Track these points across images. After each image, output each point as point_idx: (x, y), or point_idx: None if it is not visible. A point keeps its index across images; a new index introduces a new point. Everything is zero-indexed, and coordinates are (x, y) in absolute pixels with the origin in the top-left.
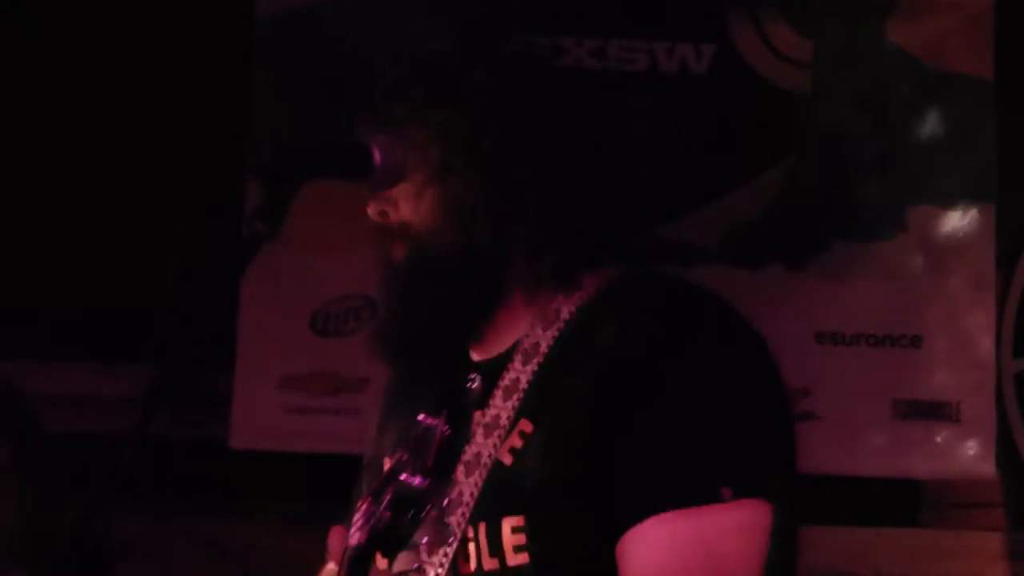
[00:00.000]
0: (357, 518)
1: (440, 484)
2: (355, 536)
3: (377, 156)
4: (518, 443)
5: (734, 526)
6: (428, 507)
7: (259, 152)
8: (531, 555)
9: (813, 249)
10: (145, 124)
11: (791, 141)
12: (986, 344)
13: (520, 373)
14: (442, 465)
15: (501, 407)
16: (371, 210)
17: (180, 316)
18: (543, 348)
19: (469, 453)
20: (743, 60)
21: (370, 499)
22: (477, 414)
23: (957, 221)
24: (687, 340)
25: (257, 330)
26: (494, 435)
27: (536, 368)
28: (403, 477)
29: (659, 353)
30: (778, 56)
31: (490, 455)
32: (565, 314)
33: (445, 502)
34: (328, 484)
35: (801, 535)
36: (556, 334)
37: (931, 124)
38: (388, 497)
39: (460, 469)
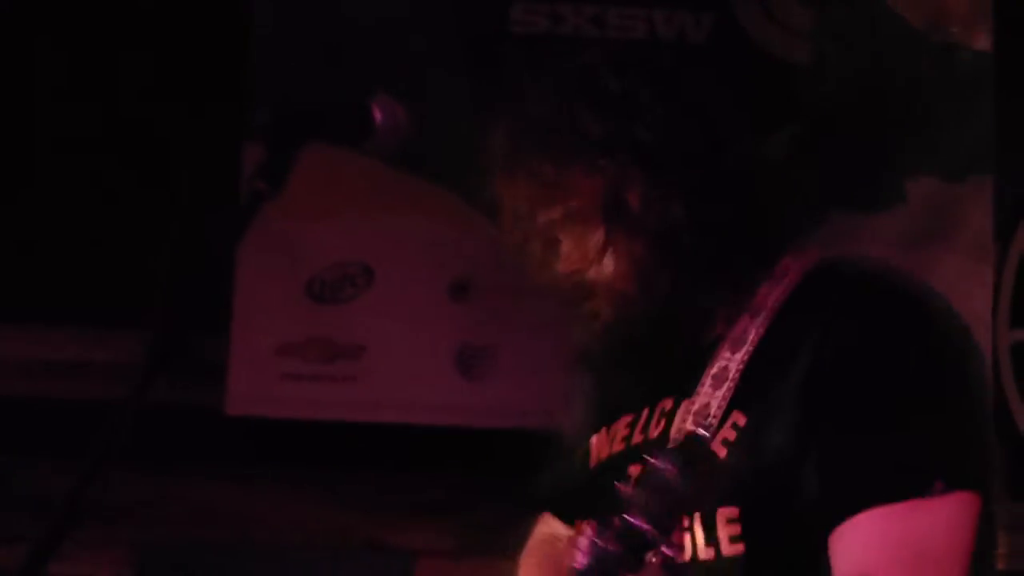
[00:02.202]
0: (583, 542)
1: (667, 532)
2: (579, 560)
3: (378, 116)
4: (731, 435)
5: (945, 519)
6: (652, 552)
7: (260, 114)
8: (746, 545)
9: (812, 220)
10: (145, 89)
11: (790, 112)
12: (983, 315)
13: (729, 362)
14: (671, 513)
15: (711, 396)
16: (563, 270)
17: (178, 282)
18: (752, 337)
19: (676, 441)
20: (743, 29)
21: (596, 526)
22: (685, 403)
23: (955, 193)
24: (896, 331)
25: (253, 297)
26: (704, 424)
27: (746, 357)
28: (631, 516)
29: (868, 344)
30: (778, 26)
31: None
32: (772, 302)
33: (671, 552)
34: (323, 450)
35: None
36: (765, 323)
37: (930, 96)
38: (615, 530)
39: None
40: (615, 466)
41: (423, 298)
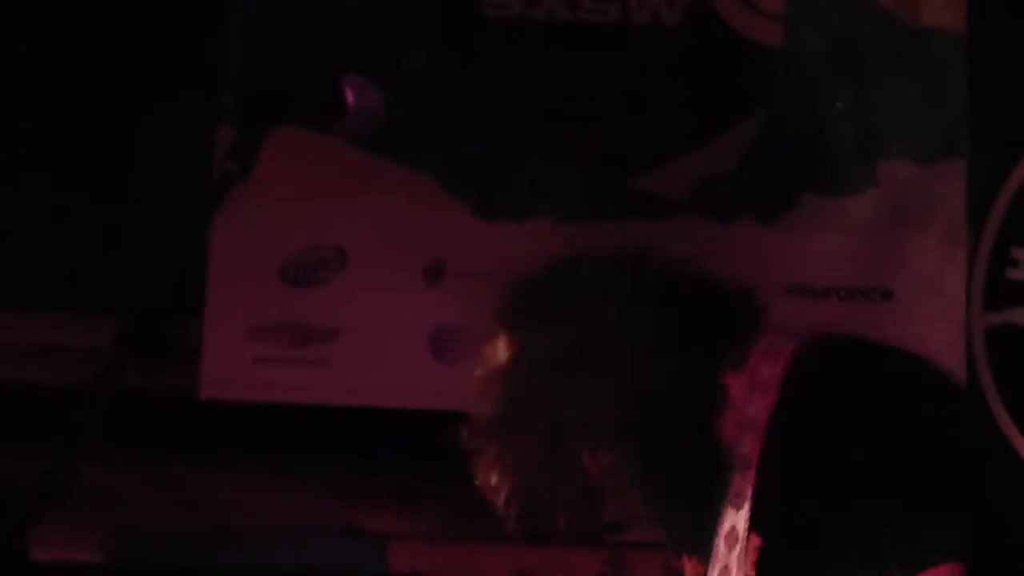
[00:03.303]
0: None
1: None
2: None
3: (350, 97)
4: (754, 557)
5: None
6: None
7: (231, 95)
8: None
9: (784, 202)
10: (116, 70)
11: (763, 94)
12: (957, 298)
13: (742, 483)
14: None
15: (734, 518)
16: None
17: (149, 265)
18: (754, 456)
19: (717, 567)
20: (716, 12)
21: None
22: (717, 528)
23: (929, 175)
24: (880, 427)
25: (227, 280)
26: (737, 548)
27: (753, 478)
28: None
29: (852, 451)
30: (751, 8)
31: (738, 571)
32: (773, 384)
33: None
34: (297, 436)
35: None
36: (760, 439)
37: (903, 78)
38: None
39: None
40: None
41: (397, 282)
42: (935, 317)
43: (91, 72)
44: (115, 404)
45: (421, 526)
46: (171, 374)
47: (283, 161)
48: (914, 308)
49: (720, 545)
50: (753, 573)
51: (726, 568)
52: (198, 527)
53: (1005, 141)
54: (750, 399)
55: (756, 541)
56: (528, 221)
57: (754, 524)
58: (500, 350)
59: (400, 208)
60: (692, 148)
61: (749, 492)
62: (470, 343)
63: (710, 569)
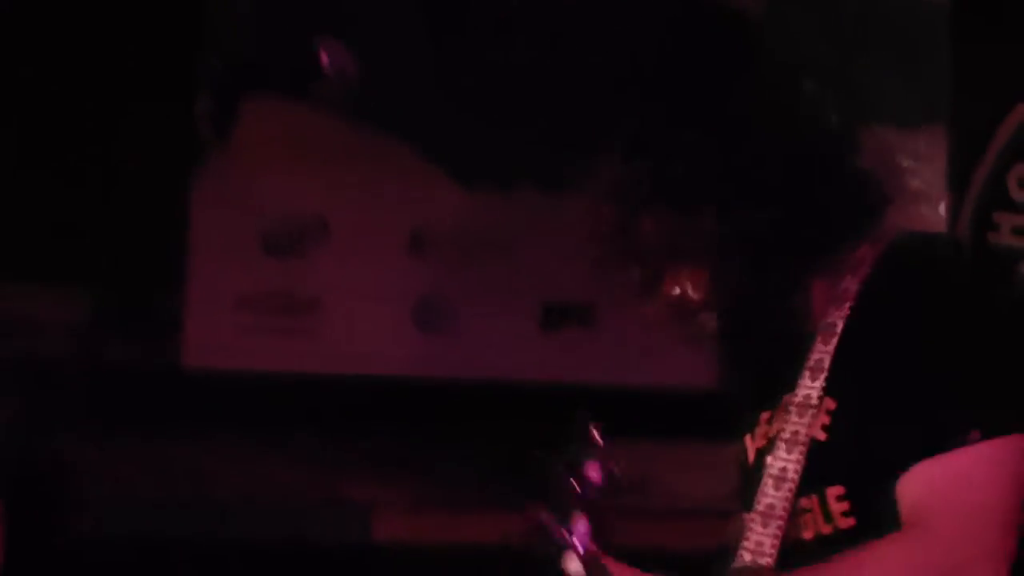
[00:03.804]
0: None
1: None
2: None
3: (325, 60)
4: (827, 420)
5: (985, 466)
6: None
7: (209, 62)
8: (857, 518)
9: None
10: (95, 41)
11: (743, 60)
12: None
13: (823, 353)
14: None
15: (810, 387)
16: (666, 297)
17: (130, 238)
18: (838, 328)
19: (787, 431)
20: None
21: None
22: (786, 397)
23: (910, 142)
24: (943, 304)
25: (208, 251)
26: (808, 414)
27: (835, 348)
28: None
29: (917, 322)
30: None
31: (806, 433)
32: (851, 292)
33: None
34: (280, 406)
35: None
36: (846, 313)
37: (885, 45)
38: None
39: (781, 447)
40: (761, 462)
41: (380, 251)
42: None
43: (70, 47)
44: (100, 377)
45: (405, 495)
46: (154, 346)
47: (262, 130)
48: None
49: (792, 411)
50: (824, 436)
51: (795, 433)
52: (182, 499)
53: (986, 107)
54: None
55: (830, 404)
56: (512, 190)
57: (830, 390)
58: None
59: (382, 177)
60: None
61: (827, 363)
62: (453, 312)
63: (780, 434)
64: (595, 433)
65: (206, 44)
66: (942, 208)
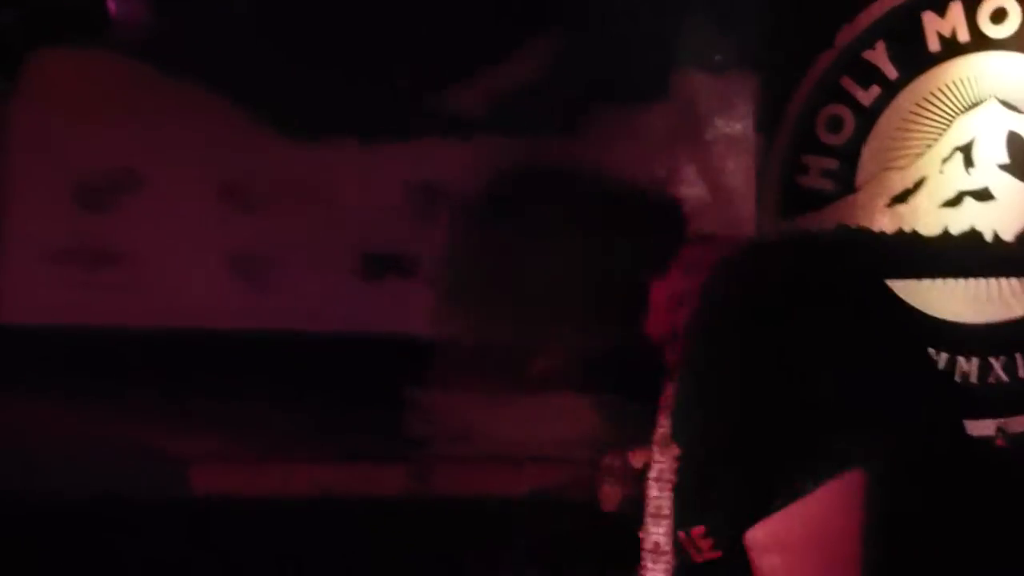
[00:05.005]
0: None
1: None
2: None
3: (112, 6)
4: (676, 464)
5: (822, 511)
6: None
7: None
8: (723, 551)
9: (580, 115)
10: None
11: (558, 8)
12: (747, 207)
13: (670, 391)
14: None
15: (664, 426)
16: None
17: None
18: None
19: (655, 470)
20: None
21: None
22: (653, 433)
23: (719, 86)
24: (767, 344)
25: (21, 204)
26: (668, 454)
27: (673, 390)
28: None
29: (738, 369)
30: None
31: (670, 472)
32: (692, 298)
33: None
34: (99, 361)
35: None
36: (684, 346)
37: None
38: None
39: (653, 486)
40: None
41: (194, 203)
42: (725, 226)
43: None
44: None
45: (223, 447)
46: None
47: (73, 82)
48: (705, 215)
49: (655, 450)
50: (676, 478)
51: (661, 471)
52: (1, 452)
53: (794, 53)
54: (673, 309)
55: (675, 449)
56: (331, 140)
57: (675, 434)
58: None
59: (195, 127)
60: (488, 64)
61: (671, 403)
62: (270, 263)
63: (648, 471)
64: None
65: None
66: (751, 150)
